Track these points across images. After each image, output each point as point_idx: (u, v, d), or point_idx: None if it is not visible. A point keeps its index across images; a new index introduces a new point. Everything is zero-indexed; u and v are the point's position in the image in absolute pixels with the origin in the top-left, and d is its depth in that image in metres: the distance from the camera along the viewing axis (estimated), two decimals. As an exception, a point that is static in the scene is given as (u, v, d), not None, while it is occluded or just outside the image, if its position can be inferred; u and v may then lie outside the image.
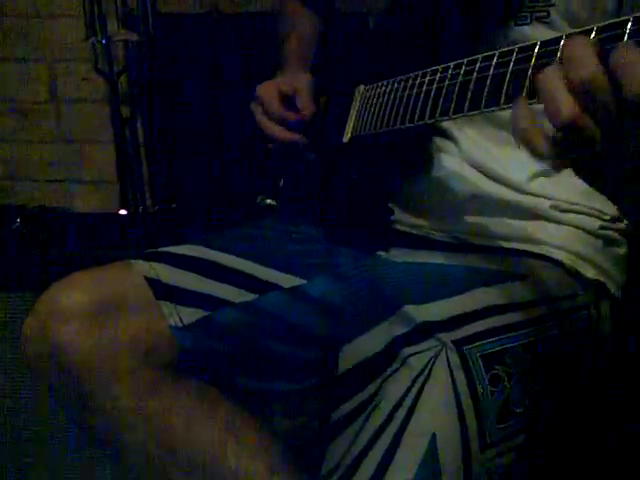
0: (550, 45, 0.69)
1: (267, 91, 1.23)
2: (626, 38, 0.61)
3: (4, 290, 1.65)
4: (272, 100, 1.21)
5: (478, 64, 0.79)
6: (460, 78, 0.81)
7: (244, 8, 2.17)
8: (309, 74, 1.26)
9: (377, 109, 1.02)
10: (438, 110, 0.85)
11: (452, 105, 0.82)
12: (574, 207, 1.07)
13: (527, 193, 1.07)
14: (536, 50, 0.71)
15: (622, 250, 1.12)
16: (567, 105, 0.64)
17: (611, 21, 0.63)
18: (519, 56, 0.73)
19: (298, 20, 1.41)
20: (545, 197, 1.06)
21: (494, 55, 0.76)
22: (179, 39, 2.15)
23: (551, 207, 1.07)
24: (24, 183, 2.43)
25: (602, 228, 1.09)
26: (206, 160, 2.19)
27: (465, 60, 0.81)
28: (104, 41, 2.07)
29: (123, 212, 2.18)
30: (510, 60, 0.74)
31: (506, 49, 0.75)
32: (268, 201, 1.32)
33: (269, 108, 1.21)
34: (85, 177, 2.40)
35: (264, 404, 1.21)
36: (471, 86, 0.79)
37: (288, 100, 1.22)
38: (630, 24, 0.61)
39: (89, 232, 1.90)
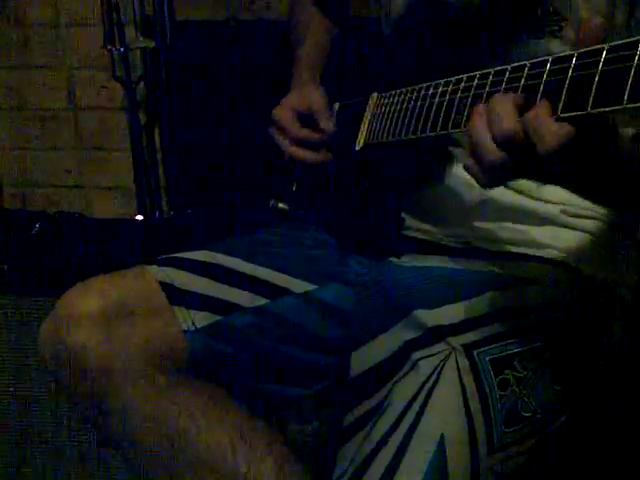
0: (562, 63, 0.71)
1: (284, 114, 1.20)
2: (636, 60, 0.62)
3: (23, 294, 1.67)
4: (291, 123, 1.19)
5: (491, 78, 0.80)
6: (473, 91, 0.82)
7: (262, 15, 2.18)
8: (320, 87, 1.24)
9: (389, 118, 1.02)
10: (450, 122, 0.85)
11: (464, 118, 0.83)
12: (585, 212, 1.07)
13: (537, 199, 1.07)
14: (548, 66, 0.72)
15: (633, 253, 1.12)
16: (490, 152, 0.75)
17: (624, 41, 0.65)
18: (531, 72, 0.74)
19: (312, 26, 1.40)
20: (555, 203, 1.06)
21: (506, 70, 0.78)
22: (196, 46, 2.16)
23: (561, 212, 1.07)
24: (43, 189, 2.45)
25: (613, 232, 1.08)
26: (221, 166, 2.20)
27: (478, 73, 0.82)
28: (122, 49, 2.09)
29: (140, 218, 2.20)
30: (522, 76, 0.75)
31: (518, 64, 0.76)
32: (281, 205, 1.31)
33: (290, 132, 1.19)
34: (103, 183, 2.42)
35: (276, 409, 1.22)
36: (484, 100, 0.79)
37: (305, 119, 1.20)
38: None
39: (107, 237, 1.92)
